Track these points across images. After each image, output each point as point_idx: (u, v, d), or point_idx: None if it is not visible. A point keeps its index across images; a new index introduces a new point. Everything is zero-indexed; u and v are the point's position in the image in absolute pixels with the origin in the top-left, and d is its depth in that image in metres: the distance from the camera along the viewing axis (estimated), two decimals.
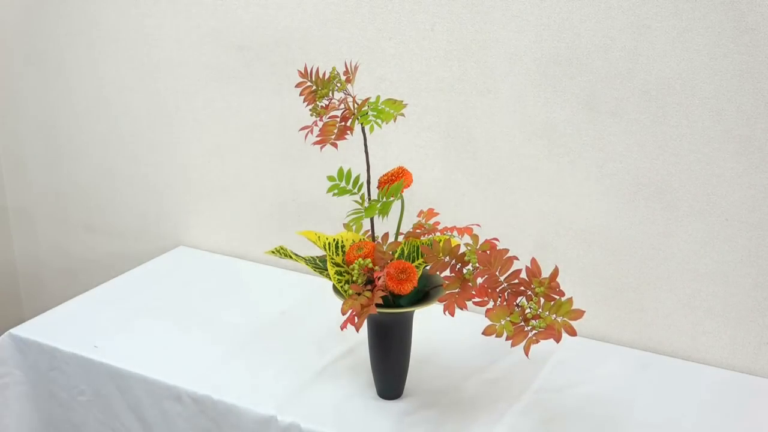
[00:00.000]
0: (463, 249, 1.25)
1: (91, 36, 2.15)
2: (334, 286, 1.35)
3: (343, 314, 1.27)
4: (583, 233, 1.67)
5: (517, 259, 1.22)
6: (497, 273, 1.21)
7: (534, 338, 1.17)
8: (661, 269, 1.61)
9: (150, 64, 2.07)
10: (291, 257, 1.41)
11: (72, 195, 2.36)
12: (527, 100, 1.65)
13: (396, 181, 1.35)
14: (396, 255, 1.35)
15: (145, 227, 2.25)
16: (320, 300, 1.71)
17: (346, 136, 1.32)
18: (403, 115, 1.32)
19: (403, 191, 1.36)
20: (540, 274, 1.20)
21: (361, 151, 1.35)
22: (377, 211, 1.31)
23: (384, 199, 1.33)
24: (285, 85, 1.89)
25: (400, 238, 1.37)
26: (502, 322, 1.18)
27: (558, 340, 1.16)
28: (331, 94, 1.35)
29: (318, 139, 1.34)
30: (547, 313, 1.17)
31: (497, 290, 1.21)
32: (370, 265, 1.30)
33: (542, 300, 1.18)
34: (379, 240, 1.37)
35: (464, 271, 1.24)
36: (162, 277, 1.99)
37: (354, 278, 1.31)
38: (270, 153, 1.98)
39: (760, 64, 1.43)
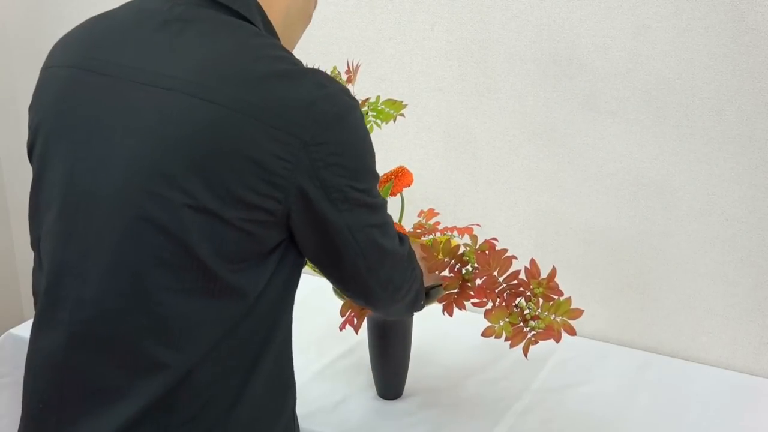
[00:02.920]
0: (462, 249, 1.25)
1: None
2: (334, 287, 1.35)
3: (342, 316, 1.27)
4: (583, 233, 1.67)
5: (516, 259, 1.22)
6: (496, 274, 1.21)
7: (533, 339, 1.17)
8: (661, 269, 1.61)
9: None
10: None
11: None
12: (527, 100, 1.65)
13: (397, 180, 1.35)
14: None
15: None
16: (320, 300, 1.71)
17: None
18: (402, 115, 1.32)
19: (402, 191, 1.36)
20: (539, 274, 1.20)
21: None
22: None
23: None
24: None
25: None
26: (501, 323, 1.18)
27: (558, 341, 1.16)
28: None
29: None
30: (545, 313, 1.17)
31: (496, 291, 1.21)
32: None
33: (541, 300, 1.18)
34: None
35: (463, 271, 1.24)
36: None
37: None
38: None
39: (760, 64, 1.43)
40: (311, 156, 0.89)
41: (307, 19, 1.09)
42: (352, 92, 1.32)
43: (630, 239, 1.63)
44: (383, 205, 1.01)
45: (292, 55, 0.96)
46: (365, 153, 0.96)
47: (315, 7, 1.11)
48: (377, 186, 1.00)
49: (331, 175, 0.91)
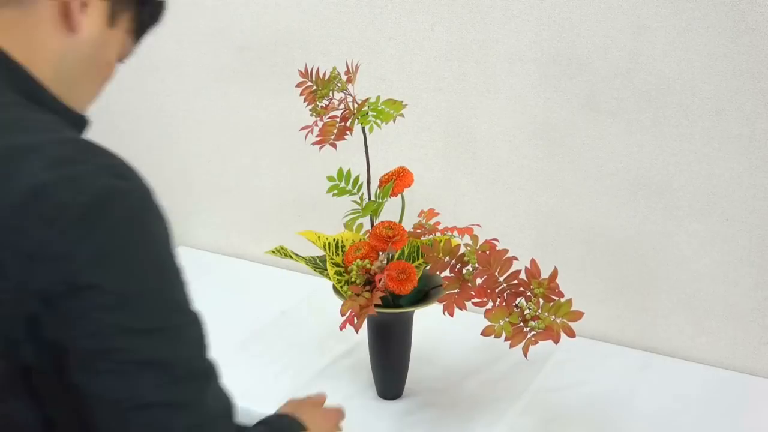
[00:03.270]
0: (463, 249, 1.25)
1: None
2: (334, 286, 1.35)
3: (342, 315, 1.27)
4: (583, 233, 1.67)
5: (517, 259, 1.22)
6: (496, 273, 1.21)
7: (533, 339, 1.17)
8: (661, 269, 1.61)
9: (150, 64, 2.07)
10: (291, 257, 1.41)
11: None
12: (527, 100, 1.65)
13: (397, 180, 1.35)
14: (396, 255, 1.35)
15: None
16: (320, 300, 1.71)
17: (346, 137, 1.32)
18: (402, 115, 1.32)
19: (402, 191, 1.36)
20: (539, 274, 1.20)
21: (361, 150, 1.35)
22: (371, 212, 1.32)
23: (380, 200, 1.33)
24: (285, 85, 1.88)
25: None
26: (501, 323, 1.18)
27: (557, 342, 1.16)
28: (331, 94, 1.35)
29: (317, 139, 1.34)
30: (546, 314, 1.17)
31: (496, 291, 1.21)
32: (369, 266, 1.30)
33: (541, 301, 1.18)
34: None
35: (464, 271, 1.24)
36: None
37: (353, 279, 1.31)
38: (270, 153, 1.98)
39: (760, 64, 1.43)
40: (42, 278, 0.61)
41: (104, 67, 0.85)
42: (351, 92, 1.33)
43: (630, 239, 1.63)
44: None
45: (39, 116, 0.69)
46: (147, 266, 0.66)
47: (126, 54, 0.87)
48: (187, 315, 0.72)
49: (84, 308, 0.63)
